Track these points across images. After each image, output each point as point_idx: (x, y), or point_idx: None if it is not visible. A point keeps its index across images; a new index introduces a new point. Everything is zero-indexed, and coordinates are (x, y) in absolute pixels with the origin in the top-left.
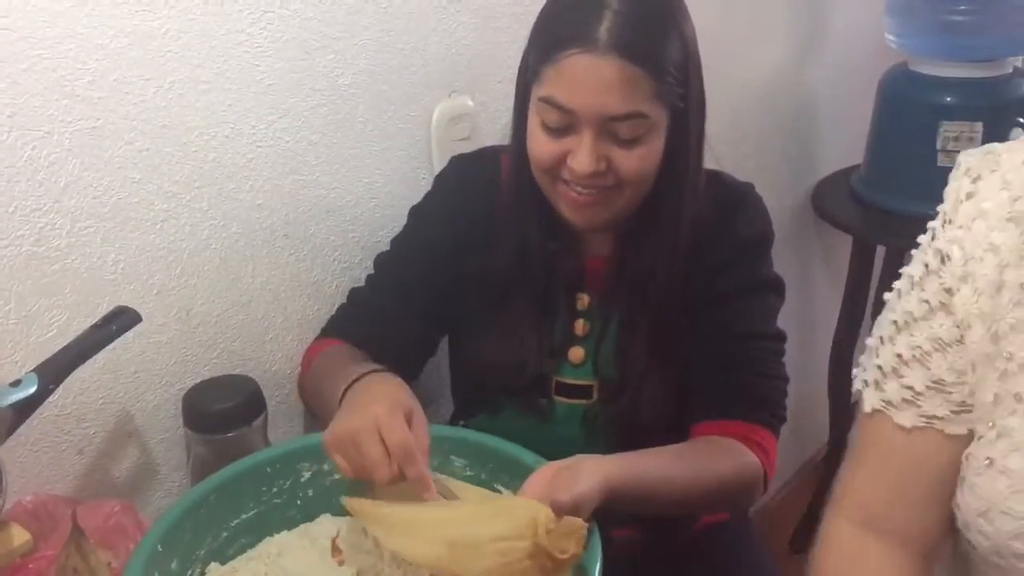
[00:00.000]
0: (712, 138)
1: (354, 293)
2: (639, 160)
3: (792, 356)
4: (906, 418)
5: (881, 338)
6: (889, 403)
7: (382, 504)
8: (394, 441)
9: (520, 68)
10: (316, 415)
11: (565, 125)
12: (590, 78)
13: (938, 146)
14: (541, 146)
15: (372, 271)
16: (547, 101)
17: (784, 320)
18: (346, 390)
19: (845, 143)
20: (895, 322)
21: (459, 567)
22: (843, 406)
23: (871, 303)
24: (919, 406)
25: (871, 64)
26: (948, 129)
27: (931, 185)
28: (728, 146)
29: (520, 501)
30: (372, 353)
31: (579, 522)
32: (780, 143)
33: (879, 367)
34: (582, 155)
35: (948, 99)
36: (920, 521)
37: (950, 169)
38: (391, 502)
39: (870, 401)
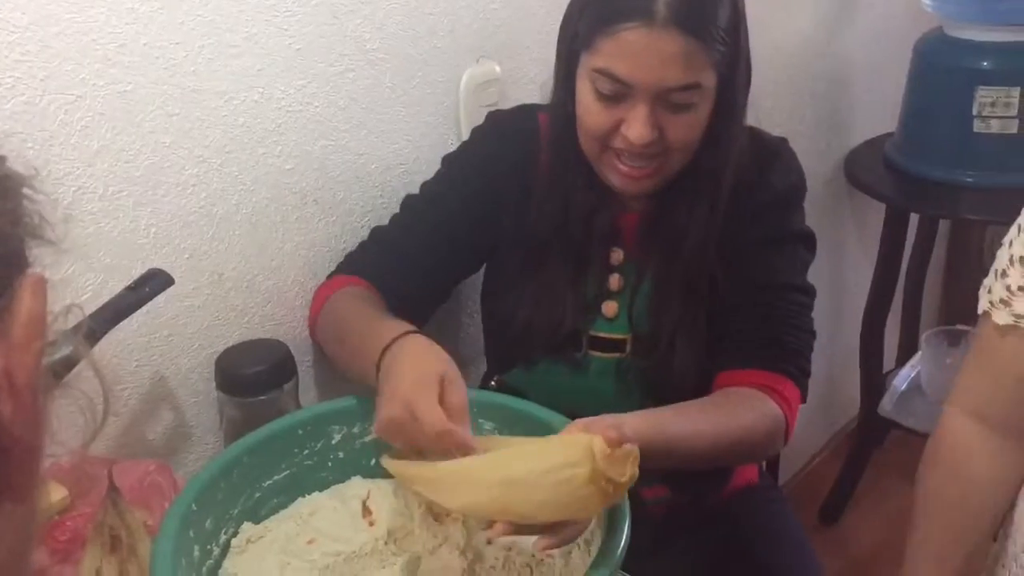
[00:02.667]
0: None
1: (375, 232)
2: (689, 127)
3: (823, 325)
4: (1000, 316)
5: (1004, 243)
6: (991, 303)
7: (424, 464)
8: (428, 427)
9: (564, 31)
10: (333, 360)
11: (619, 94)
12: (650, 52)
13: (974, 112)
14: (594, 115)
15: (398, 212)
16: (603, 72)
17: (815, 288)
18: (380, 358)
19: (879, 110)
20: (1019, 225)
21: (517, 506)
22: (874, 375)
23: (904, 272)
24: (1011, 305)
25: (906, 29)
26: (984, 95)
27: (967, 152)
28: (760, 114)
29: (570, 436)
30: (387, 294)
31: (631, 447)
32: (812, 110)
33: (994, 270)
34: (638, 125)
35: (984, 64)
36: (1019, 411)
37: (986, 136)
38: (432, 459)
39: (981, 304)
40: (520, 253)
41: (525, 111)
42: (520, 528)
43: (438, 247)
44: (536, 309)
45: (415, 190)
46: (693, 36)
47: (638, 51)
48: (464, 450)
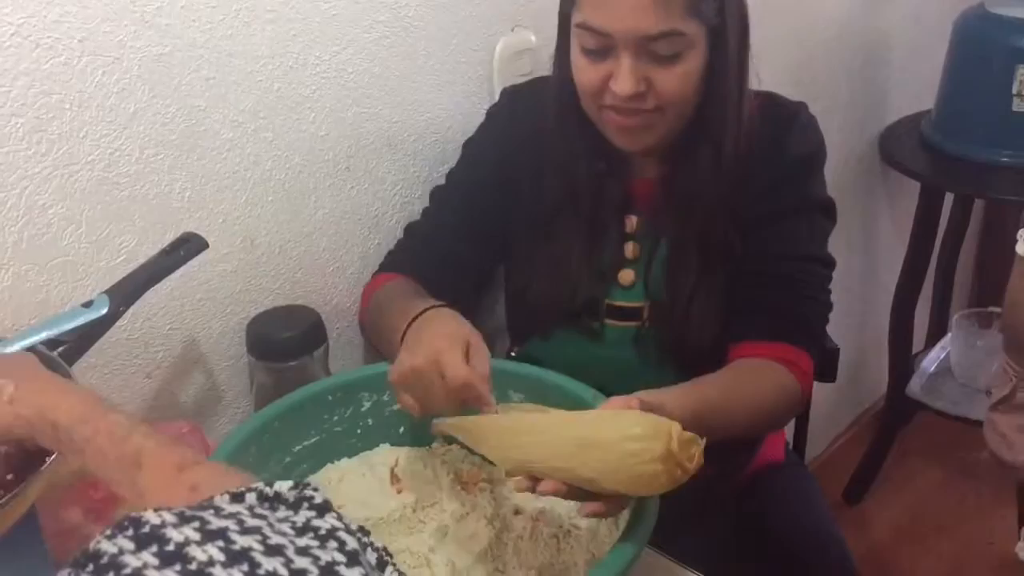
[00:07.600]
0: (779, 80)
1: (410, 227)
2: (679, 79)
3: (853, 304)
4: None
5: None
6: None
7: (483, 417)
8: (453, 376)
9: None
10: (380, 352)
11: (604, 48)
12: (622, 1)
13: (1014, 91)
14: (583, 72)
15: (428, 204)
16: (583, 26)
17: (846, 268)
18: (407, 328)
19: (916, 87)
20: None
21: (585, 467)
22: (903, 356)
23: (936, 252)
24: None
25: (946, 5)
26: None
27: (1005, 131)
28: (796, 88)
29: (648, 415)
30: (429, 285)
31: (697, 437)
32: (848, 87)
33: None
34: (622, 77)
35: None
36: None
37: None
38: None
39: None
40: (535, 223)
41: (537, 85)
42: (571, 491)
43: (467, 234)
44: (550, 278)
45: (448, 159)
46: None
47: (611, 1)
48: (484, 407)
